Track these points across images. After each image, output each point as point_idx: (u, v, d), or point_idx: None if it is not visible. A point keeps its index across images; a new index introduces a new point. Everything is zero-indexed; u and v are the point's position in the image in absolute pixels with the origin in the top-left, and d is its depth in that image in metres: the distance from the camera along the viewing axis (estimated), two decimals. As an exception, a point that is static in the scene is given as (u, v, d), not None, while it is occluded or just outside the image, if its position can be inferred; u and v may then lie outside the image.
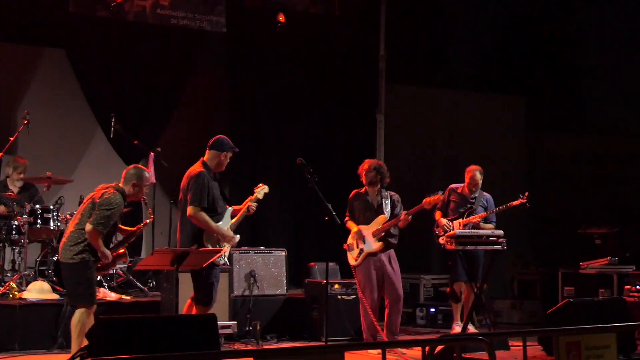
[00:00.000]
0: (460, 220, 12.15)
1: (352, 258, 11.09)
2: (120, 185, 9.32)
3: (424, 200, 10.93)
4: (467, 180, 12.36)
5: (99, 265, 9.21)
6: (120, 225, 9.51)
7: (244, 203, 9.89)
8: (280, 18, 14.63)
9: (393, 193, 11.27)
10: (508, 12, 17.58)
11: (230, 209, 9.80)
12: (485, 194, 12.44)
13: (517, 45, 17.77)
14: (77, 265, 9.10)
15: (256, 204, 9.91)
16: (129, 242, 9.74)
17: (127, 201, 9.38)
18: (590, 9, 17.28)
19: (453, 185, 12.51)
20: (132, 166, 9.56)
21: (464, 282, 12.14)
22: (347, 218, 11.15)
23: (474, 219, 12.11)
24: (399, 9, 15.74)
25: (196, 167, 9.64)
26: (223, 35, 14.67)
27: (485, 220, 12.21)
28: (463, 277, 12.06)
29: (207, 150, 9.77)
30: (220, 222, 9.62)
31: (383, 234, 10.96)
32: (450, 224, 12.08)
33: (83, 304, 9.12)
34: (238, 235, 9.81)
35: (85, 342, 8.77)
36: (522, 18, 17.58)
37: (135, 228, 9.67)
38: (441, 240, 11.80)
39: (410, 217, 10.89)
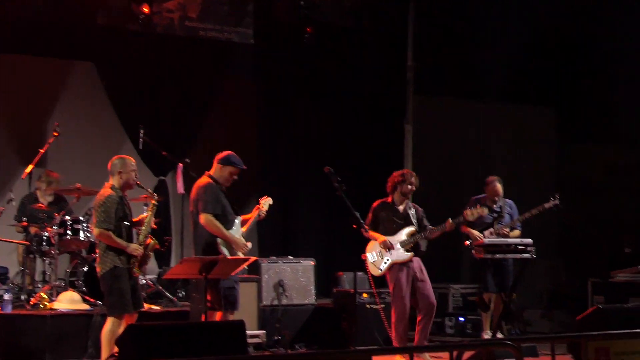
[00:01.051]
0: (491, 229, 12.14)
1: (375, 268, 11.00)
2: (109, 182, 9.39)
3: (465, 212, 10.97)
4: (488, 190, 12.38)
5: (136, 259, 9.22)
6: (134, 219, 9.55)
7: (253, 211, 10.02)
8: (308, 30, 14.66)
9: (416, 205, 11.29)
10: (537, 22, 17.48)
11: (239, 218, 9.91)
12: (507, 200, 12.44)
13: (546, 56, 17.68)
14: (105, 275, 9.19)
15: (266, 208, 9.99)
16: (150, 229, 9.67)
17: (123, 192, 9.40)
18: (621, 19, 17.17)
19: (475, 198, 12.51)
20: (114, 157, 9.57)
21: (494, 293, 12.12)
22: (367, 227, 10.98)
23: (504, 229, 12.10)
24: (427, 19, 15.74)
25: (203, 179, 9.87)
26: (251, 47, 14.71)
27: (512, 227, 12.20)
28: (492, 288, 12.05)
29: (214, 164, 9.91)
30: (232, 230, 9.73)
31: (412, 244, 10.96)
32: (482, 234, 12.07)
33: (117, 314, 9.18)
34: (250, 243, 9.91)
35: (115, 350, 8.87)
36: (552, 28, 17.50)
37: (146, 215, 9.65)
38: (474, 251, 11.80)
39: (454, 225, 10.92)
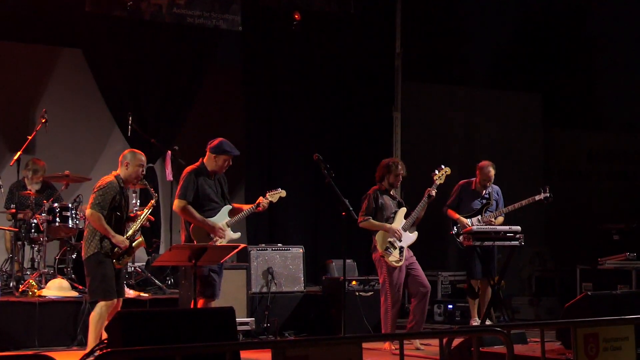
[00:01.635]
0: (479, 217, 12.14)
1: (395, 258, 10.89)
2: (117, 171, 9.49)
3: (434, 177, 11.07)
4: (480, 175, 12.31)
5: (118, 253, 9.25)
6: (131, 214, 9.63)
7: (256, 202, 9.99)
8: (296, 16, 14.64)
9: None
10: (524, 9, 17.55)
11: (228, 207, 9.96)
12: (494, 186, 12.42)
13: (532, 42, 17.75)
14: (89, 261, 9.27)
15: (268, 202, 9.99)
16: (141, 226, 9.69)
17: (126, 184, 9.51)
18: (606, 7, 17.24)
19: (463, 182, 12.49)
20: (127, 150, 9.71)
21: (480, 280, 12.15)
22: (366, 217, 10.98)
23: (491, 218, 12.12)
24: (415, 6, 15.75)
25: (191, 166, 9.96)
26: (238, 34, 14.68)
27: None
28: (479, 275, 12.08)
29: (207, 152, 9.98)
30: (213, 218, 9.76)
31: (412, 224, 11.02)
32: (470, 221, 12.08)
33: (100, 298, 9.22)
34: (238, 233, 9.98)
35: (104, 336, 8.89)
36: (538, 15, 17.55)
37: (141, 212, 9.72)
38: (461, 239, 11.82)
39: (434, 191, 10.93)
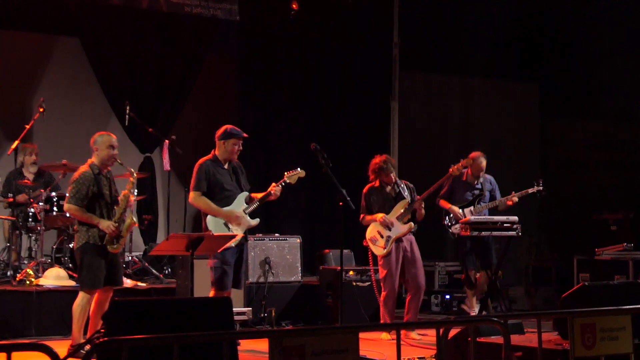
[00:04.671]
0: (472, 208, 12.14)
1: (378, 248, 10.98)
2: (91, 159, 9.45)
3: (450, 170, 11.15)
4: (472, 166, 12.26)
5: (109, 237, 9.24)
6: (118, 198, 9.56)
7: (270, 187, 9.94)
8: (294, 6, 14.62)
9: (406, 182, 11.29)
10: (521, -1, 17.55)
11: (245, 194, 9.90)
12: (487, 176, 12.42)
13: (530, 32, 17.73)
14: (78, 249, 9.33)
15: (281, 188, 9.95)
16: (126, 206, 9.67)
17: (104, 169, 9.45)
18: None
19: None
20: (96, 134, 9.60)
21: (475, 270, 12.17)
22: (362, 215, 11.10)
23: (487, 207, 12.14)
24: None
25: (202, 158, 9.91)
26: (236, 23, 14.66)
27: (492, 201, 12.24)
28: (474, 265, 12.09)
29: (216, 142, 9.98)
30: (229, 206, 9.75)
31: (409, 216, 10.99)
32: (462, 212, 12.08)
33: (84, 288, 9.27)
34: (257, 219, 9.93)
35: (93, 329, 8.95)
36: (535, 4, 17.53)
37: (124, 192, 9.59)
38: (454, 230, 11.83)
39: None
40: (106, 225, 9.24)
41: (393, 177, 11.11)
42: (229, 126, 10.01)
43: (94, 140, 9.48)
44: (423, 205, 11.05)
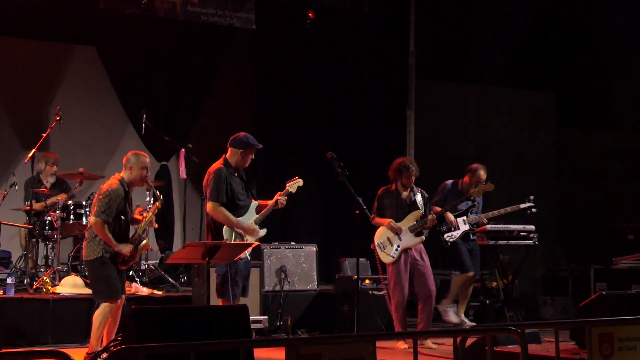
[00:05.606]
0: (464, 218, 12.11)
1: (386, 256, 10.95)
2: (120, 174, 9.37)
3: (470, 191, 11.10)
4: (470, 178, 12.26)
5: (120, 260, 9.22)
6: (135, 217, 9.53)
7: (275, 197, 9.88)
8: (310, 15, 14.63)
9: (422, 190, 11.26)
10: (537, 6, 17.50)
11: (255, 203, 9.83)
12: None
13: (546, 41, 17.69)
14: (94, 262, 9.18)
15: (286, 197, 9.90)
16: (147, 228, 9.66)
17: (131, 187, 9.36)
18: (619, 4, 17.17)
19: (448, 182, 12.48)
20: (130, 152, 9.56)
21: (467, 274, 12.20)
22: (373, 215, 11.02)
23: (479, 219, 12.14)
24: (429, 4, 15.72)
25: (216, 164, 9.77)
26: (252, 32, 14.68)
27: (479, 222, 12.24)
28: (472, 268, 12.12)
29: (228, 148, 9.84)
30: (243, 217, 9.67)
31: (421, 228, 10.96)
32: (455, 221, 12.07)
33: (104, 299, 9.18)
34: (264, 230, 9.88)
35: (108, 337, 8.94)
36: (551, 13, 17.50)
37: (146, 215, 9.58)
38: (447, 237, 11.85)
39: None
40: (123, 248, 9.16)
41: (412, 181, 11.06)
42: (246, 134, 9.90)
43: (127, 158, 9.38)
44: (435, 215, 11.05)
